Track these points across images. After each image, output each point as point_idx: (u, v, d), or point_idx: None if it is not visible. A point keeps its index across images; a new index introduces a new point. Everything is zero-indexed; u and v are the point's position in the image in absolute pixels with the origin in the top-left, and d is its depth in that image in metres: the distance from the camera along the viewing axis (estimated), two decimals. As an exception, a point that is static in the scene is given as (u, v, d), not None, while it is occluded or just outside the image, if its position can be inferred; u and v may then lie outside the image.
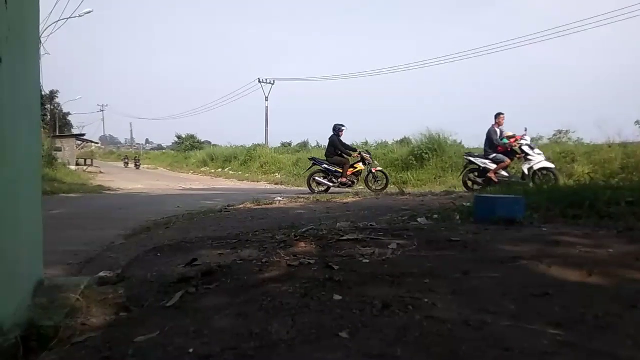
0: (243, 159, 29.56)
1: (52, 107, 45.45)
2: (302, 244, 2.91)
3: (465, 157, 10.45)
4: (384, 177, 11.33)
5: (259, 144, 32.83)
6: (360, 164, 11.36)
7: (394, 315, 1.57)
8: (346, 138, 12.08)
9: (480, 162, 9.82)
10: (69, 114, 53.67)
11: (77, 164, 30.55)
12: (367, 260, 2.42)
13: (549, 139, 18.55)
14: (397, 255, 2.55)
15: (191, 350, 1.37)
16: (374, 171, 11.31)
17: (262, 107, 36.76)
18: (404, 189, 10.59)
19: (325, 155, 11.73)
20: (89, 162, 34.80)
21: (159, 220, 5.90)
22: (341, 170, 11.17)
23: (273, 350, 1.33)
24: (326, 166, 11.33)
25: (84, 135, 46.57)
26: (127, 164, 42.77)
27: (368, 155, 11.56)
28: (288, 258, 2.52)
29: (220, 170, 30.66)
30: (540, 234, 3.08)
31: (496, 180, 9.36)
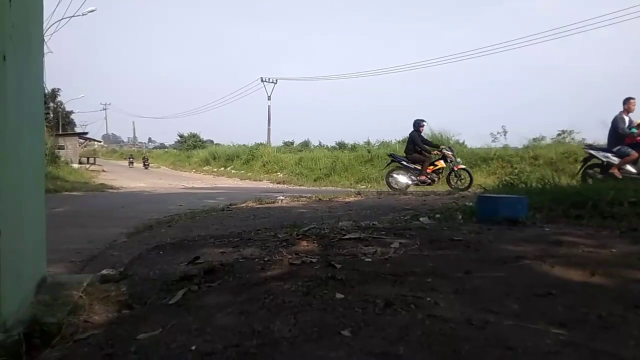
0: (245, 157, 29.61)
1: (55, 106, 45.53)
2: (304, 243, 2.91)
3: (586, 150, 8.92)
4: (468, 175, 10.68)
5: (261, 143, 32.94)
6: (442, 161, 10.80)
7: (396, 313, 1.56)
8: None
9: (602, 155, 8.25)
10: (71, 112, 53.46)
11: (80, 162, 30.63)
12: (369, 259, 2.42)
13: (552, 139, 18.54)
14: (399, 254, 2.55)
15: (193, 348, 1.37)
16: (456, 169, 10.69)
17: (265, 106, 36.82)
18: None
19: (405, 151, 11.26)
20: (91, 160, 34.85)
21: (161, 219, 5.91)
22: (420, 168, 10.68)
23: (275, 348, 1.33)
24: (404, 163, 10.89)
25: (86, 133, 46.08)
26: (132, 163, 39.54)
27: (450, 152, 10.90)
28: (290, 256, 2.52)
29: (222, 169, 30.72)
30: (543, 234, 3.08)
31: (620, 176, 7.70)
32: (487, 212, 3.73)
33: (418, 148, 10.89)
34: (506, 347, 1.29)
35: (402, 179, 10.78)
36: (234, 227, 4.38)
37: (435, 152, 11.04)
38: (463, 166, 11.06)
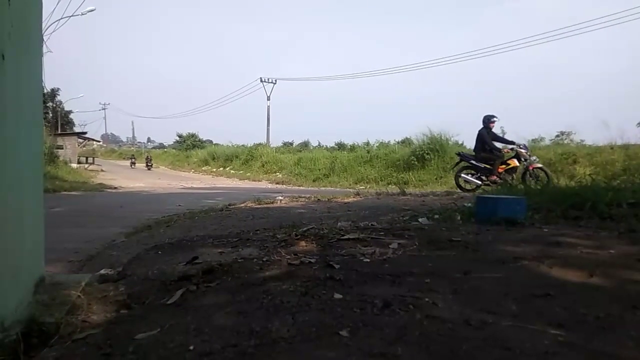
0: (244, 158, 29.62)
1: (54, 105, 45.37)
2: (303, 243, 2.91)
3: None
4: (545, 175, 9.49)
5: (260, 143, 32.96)
6: (515, 160, 9.76)
7: (395, 314, 1.56)
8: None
9: None
10: (71, 112, 53.04)
11: (79, 162, 30.58)
12: (368, 260, 2.42)
13: (551, 140, 18.56)
14: (397, 254, 2.55)
15: (192, 348, 1.37)
16: (531, 169, 9.54)
17: (264, 107, 36.87)
18: (405, 189, 10.54)
19: (474, 150, 10.33)
20: (90, 160, 34.75)
21: (160, 219, 5.91)
22: (490, 167, 9.75)
23: (273, 348, 1.33)
24: (473, 162, 10.02)
25: (85, 133, 45.62)
26: (134, 163, 36.99)
27: (524, 151, 9.82)
28: (289, 257, 2.52)
29: (221, 169, 30.72)
30: (541, 235, 3.08)
31: None
32: (485, 213, 3.73)
33: (487, 147, 9.91)
34: (504, 348, 1.29)
35: (472, 179, 9.92)
36: (232, 227, 4.37)
37: (507, 150, 10.00)
38: (539, 165, 9.83)
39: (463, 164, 10.42)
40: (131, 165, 36.44)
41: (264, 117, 36.43)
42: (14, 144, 1.69)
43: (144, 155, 43.78)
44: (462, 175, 10.16)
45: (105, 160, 46.24)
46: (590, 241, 2.80)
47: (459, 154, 10.86)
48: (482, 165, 9.90)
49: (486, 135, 9.98)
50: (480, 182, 9.80)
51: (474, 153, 10.33)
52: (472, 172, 10.09)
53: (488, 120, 10.02)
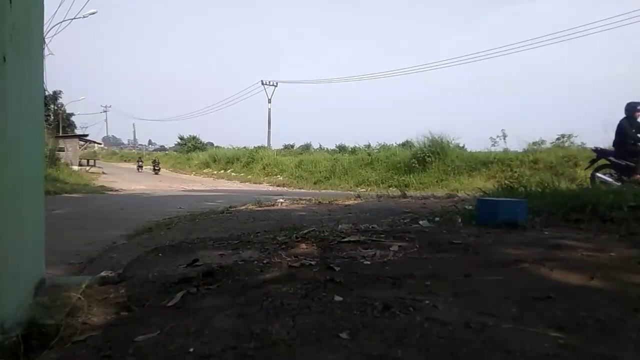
0: (245, 160, 29.68)
1: (56, 108, 45.40)
2: (303, 245, 2.91)
3: None
4: None
5: (261, 146, 32.96)
6: None
7: (395, 316, 1.56)
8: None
9: None
10: (72, 114, 52.87)
11: (80, 165, 30.64)
12: (368, 262, 2.42)
13: (552, 143, 18.55)
14: (398, 257, 2.55)
15: (192, 350, 1.37)
16: None
17: (265, 109, 36.92)
18: (406, 192, 10.50)
19: (613, 144, 8.56)
20: (91, 162, 34.79)
21: (160, 221, 5.91)
22: (634, 164, 7.99)
23: (273, 351, 1.33)
24: (612, 159, 8.32)
25: (87, 135, 45.75)
26: (141, 167, 35.06)
27: None
28: (289, 259, 2.52)
29: (222, 171, 30.76)
30: (542, 238, 3.07)
31: None
32: (486, 216, 3.73)
33: (630, 139, 8.12)
34: (505, 351, 1.28)
35: (611, 179, 8.14)
36: (233, 229, 4.37)
37: None
38: None
39: (601, 161, 8.79)
40: (138, 169, 34.86)
41: (265, 120, 36.55)
42: (15, 145, 1.69)
43: (146, 157, 43.22)
44: (599, 174, 8.45)
45: (106, 163, 46.35)
46: (591, 244, 2.79)
47: (595, 150, 9.13)
48: (624, 162, 8.12)
49: (628, 126, 8.21)
50: (620, 184, 7.56)
51: (613, 147, 8.62)
52: (612, 171, 8.42)
53: (633, 109, 8.28)
